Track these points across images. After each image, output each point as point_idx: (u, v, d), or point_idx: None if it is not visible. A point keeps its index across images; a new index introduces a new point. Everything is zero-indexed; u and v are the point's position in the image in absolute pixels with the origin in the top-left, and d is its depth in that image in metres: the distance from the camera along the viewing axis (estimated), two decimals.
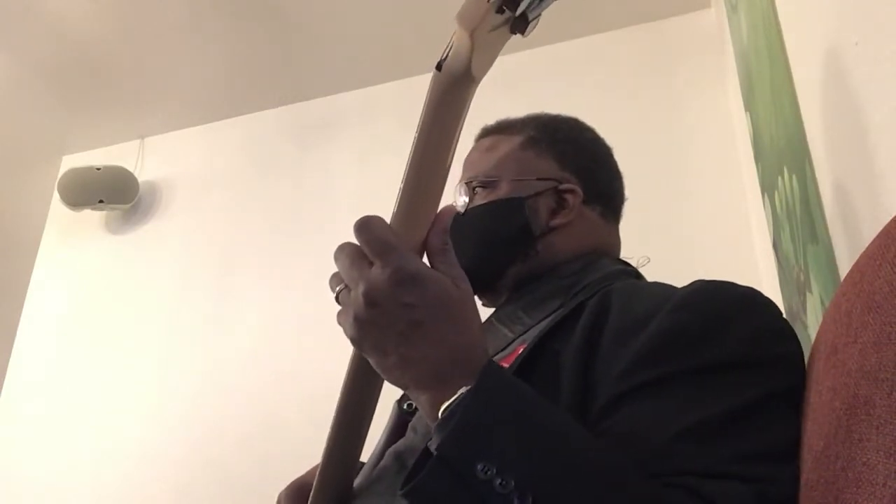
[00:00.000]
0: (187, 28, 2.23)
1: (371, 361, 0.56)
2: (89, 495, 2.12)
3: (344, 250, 0.56)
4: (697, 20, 2.10)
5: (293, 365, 2.10)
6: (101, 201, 2.48)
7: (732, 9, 1.65)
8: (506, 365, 0.71)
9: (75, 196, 2.47)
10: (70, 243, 2.62)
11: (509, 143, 0.91)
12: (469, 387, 0.51)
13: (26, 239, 2.66)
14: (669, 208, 1.89)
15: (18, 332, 2.52)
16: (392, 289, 0.52)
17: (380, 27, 2.23)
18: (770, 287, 1.43)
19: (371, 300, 0.53)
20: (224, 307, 2.29)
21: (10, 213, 2.71)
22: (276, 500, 0.85)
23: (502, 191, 0.87)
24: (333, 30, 2.24)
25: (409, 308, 0.52)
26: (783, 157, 1.14)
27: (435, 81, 0.52)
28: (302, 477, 0.86)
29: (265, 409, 2.08)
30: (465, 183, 0.89)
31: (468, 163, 0.93)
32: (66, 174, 2.51)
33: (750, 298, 0.61)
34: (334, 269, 0.57)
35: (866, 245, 0.48)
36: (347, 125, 2.44)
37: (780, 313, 0.61)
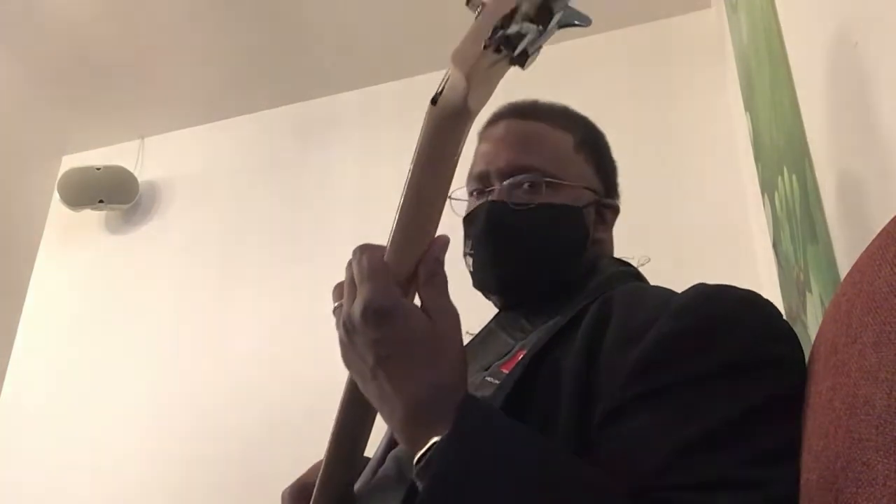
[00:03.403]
0: (187, 28, 2.23)
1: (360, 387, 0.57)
2: (89, 496, 2.12)
3: (350, 266, 0.56)
4: (697, 20, 2.10)
5: (294, 364, 2.10)
6: (101, 201, 2.48)
7: (732, 9, 1.65)
8: (506, 371, 0.70)
9: (75, 196, 2.47)
10: (70, 243, 2.62)
11: (561, 140, 0.86)
12: (443, 434, 0.50)
13: (26, 239, 2.66)
14: (669, 208, 1.89)
15: (18, 333, 2.52)
16: (361, 322, 0.53)
17: (380, 27, 2.24)
18: (770, 287, 1.43)
19: (346, 329, 0.54)
20: (224, 307, 2.29)
21: (10, 213, 2.71)
22: (279, 499, 0.85)
23: (564, 194, 0.82)
24: (333, 30, 2.24)
25: (376, 343, 0.53)
26: (783, 157, 1.14)
27: (430, 116, 0.51)
28: (305, 476, 0.86)
29: (266, 409, 2.08)
30: (533, 171, 0.81)
31: (509, 143, 0.85)
32: (66, 174, 2.51)
33: (749, 301, 0.61)
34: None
35: (866, 245, 0.48)
36: (347, 125, 2.44)
37: (780, 315, 0.61)
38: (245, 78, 2.44)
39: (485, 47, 0.46)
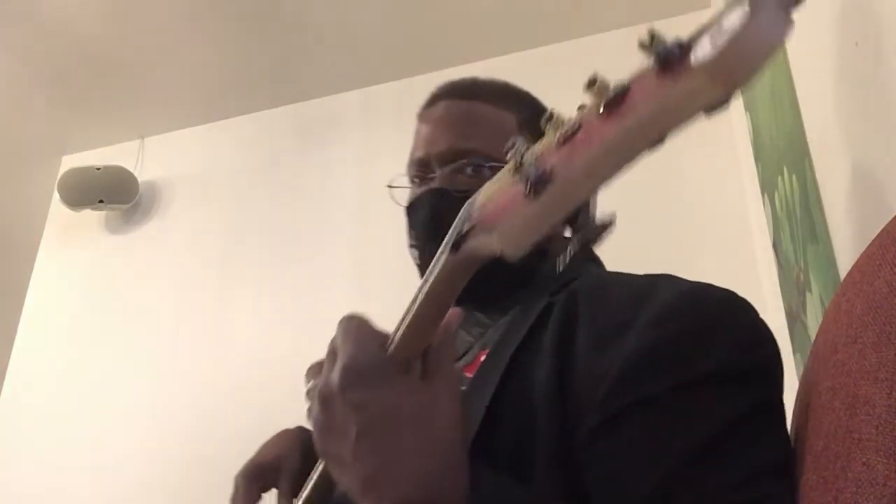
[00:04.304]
0: (187, 28, 2.23)
1: (337, 478, 0.50)
2: (89, 496, 2.12)
3: (332, 341, 0.50)
4: (697, 20, 2.08)
5: (294, 364, 2.09)
6: (101, 201, 2.47)
7: None
8: (469, 375, 0.66)
9: (75, 196, 2.47)
10: (70, 243, 2.62)
11: (504, 120, 0.81)
12: None
13: (26, 239, 2.66)
14: (669, 208, 1.88)
15: (18, 333, 2.52)
16: (341, 386, 0.46)
17: (380, 27, 2.23)
18: (770, 287, 1.43)
19: (323, 399, 0.47)
20: (224, 307, 2.29)
21: (10, 213, 2.71)
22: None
23: None
24: (333, 30, 2.24)
25: (358, 409, 0.45)
26: (783, 157, 1.14)
27: (449, 260, 0.44)
28: (258, 456, 0.85)
29: (266, 409, 2.07)
30: (476, 155, 0.77)
31: (449, 126, 0.80)
32: (66, 174, 2.51)
33: (729, 304, 0.58)
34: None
35: (866, 245, 0.48)
36: (347, 125, 2.44)
37: (757, 313, 0.59)
38: (245, 78, 2.43)
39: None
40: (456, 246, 0.43)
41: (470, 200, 0.45)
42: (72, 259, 2.59)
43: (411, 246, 0.82)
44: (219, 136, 2.60)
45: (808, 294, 1.02)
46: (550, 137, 0.38)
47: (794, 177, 1.05)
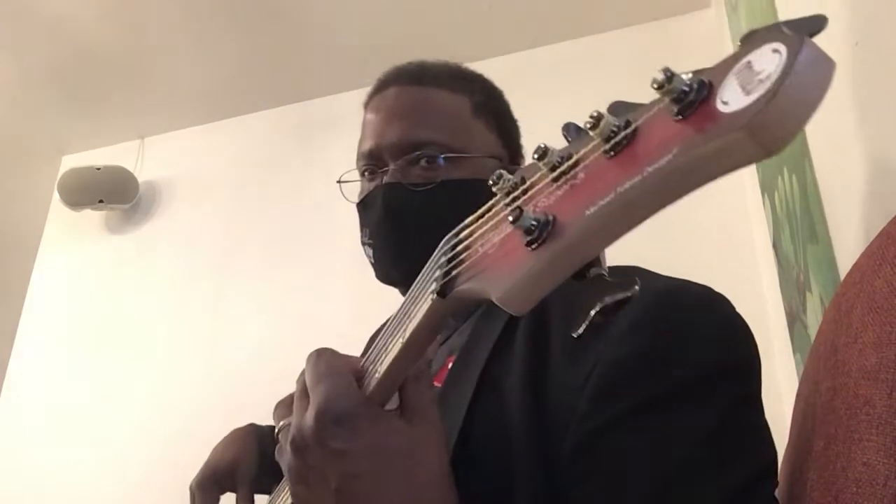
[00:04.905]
0: (188, 28, 2.23)
1: None
2: (88, 497, 2.12)
3: (301, 377, 0.47)
4: (697, 20, 2.10)
5: (294, 364, 2.09)
6: (101, 201, 2.48)
7: (732, 9, 1.65)
8: (438, 384, 0.62)
9: (75, 196, 2.47)
10: (70, 243, 2.62)
11: (457, 105, 0.78)
12: None
13: (26, 239, 2.66)
14: (669, 208, 1.88)
15: (18, 332, 2.52)
16: (316, 432, 0.42)
17: (380, 27, 2.23)
18: (770, 287, 1.43)
19: (297, 446, 0.44)
20: (224, 307, 2.29)
21: (10, 213, 2.71)
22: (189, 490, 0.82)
23: (466, 167, 0.74)
24: (333, 30, 2.24)
25: (339, 456, 0.42)
26: (783, 157, 1.14)
27: (435, 307, 0.40)
28: (213, 462, 0.83)
29: (267, 409, 2.07)
30: (429, 145, 0.73)
31: (399, 115, 0.77)
32: (66, 174, 2.51)
33: (706, 303, 0.56)
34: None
35: (866, 245, 0.48)
36: (347, 125, 2.43)
37: (733, 308, 0.56)
38: (245, 78, 2.43)
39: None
40: (443, 292, 0.39)
41: (452, 234, 0.41)
42: (72, 259, 2.59)
43: (364, 244, 0.79)
44: (219, 136, 2.60)
45: (808, 294, 1.02)
46: (544, 173, 0.34)
47: (794, 177, 1.05)
